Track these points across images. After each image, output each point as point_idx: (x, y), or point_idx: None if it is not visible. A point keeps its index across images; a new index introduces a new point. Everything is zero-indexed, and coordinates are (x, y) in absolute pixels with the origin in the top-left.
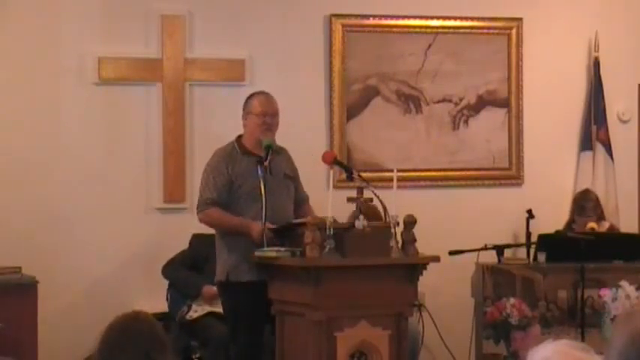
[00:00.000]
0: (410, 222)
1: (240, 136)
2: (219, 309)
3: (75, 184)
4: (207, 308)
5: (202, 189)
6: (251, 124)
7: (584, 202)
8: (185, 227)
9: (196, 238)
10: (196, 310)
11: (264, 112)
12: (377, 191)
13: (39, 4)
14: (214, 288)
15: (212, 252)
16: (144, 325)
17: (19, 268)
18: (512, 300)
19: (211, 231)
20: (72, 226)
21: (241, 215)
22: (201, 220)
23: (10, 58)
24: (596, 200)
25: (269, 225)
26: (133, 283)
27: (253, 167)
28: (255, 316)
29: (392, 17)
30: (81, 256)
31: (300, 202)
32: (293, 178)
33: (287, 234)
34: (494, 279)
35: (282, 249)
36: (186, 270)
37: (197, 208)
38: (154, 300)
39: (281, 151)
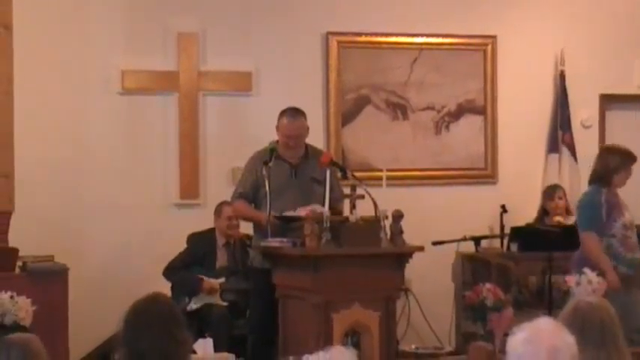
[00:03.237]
0: (398, 216)
1: (277, 141)
2: (215, 301)
3: (101, 182)
4: (205, 300)
5: (238, 183)
6: (280, 137)
7: (554, 188)
8: (199, 220)
9: (193, 237)
10: (196, 303)
11: (287, 134)
12: (368, 189)
13: (69, 24)
14: (211, 281)
15: (209, 247)
16: (164, 305)
17: (52, 256)
18: (487, 285)
19: (204, 228)
20: (98, 219)
21: (262, 210)
22: (232, 209)
23: (44, 71)
24: (563, 190)
25: (274, 214)
26: (152, 269)
27: (279, 170)
28: (269, 295)
29: (382, 35)
30: (107, 246)
31: (333, 202)
32: (322, 182)
33: (292, 226)
34: (472, 266)
35: (285, 240)
36: (185, 270)
37: (230, 198)
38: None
39: (318, 157)
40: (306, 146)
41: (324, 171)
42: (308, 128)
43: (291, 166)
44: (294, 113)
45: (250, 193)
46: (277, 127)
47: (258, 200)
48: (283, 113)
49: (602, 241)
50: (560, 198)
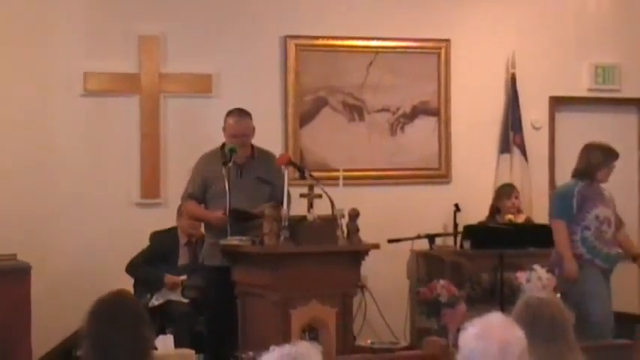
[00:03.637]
0: (354, 215)
1: (224, 143)
2: (177, 297)
3: (64, 182)
4: (167, 296)
5: (187, 184)
6: (226, 138)
7: (511, 188)
8: (160, 219)
9: (155, 235)
10: (158, 299)
11: (234, 134)
12: (325, 188)
13: (33, 27)
14: (174, 277)
15: (172, 245)
16: (131, 302)
17: (15, 254)
18: (441, 281)
19: (167, 226)
20: (61, 218)
21: (211, 209)
22: (183, 209)
23: (8, 73)
24: (517, 190)
25: (223, 212)
26: (114, 267)
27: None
28: (223, 294)
29: (339, 38)
30: (70, 245)
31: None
32: (268, 182)
33: (251, 224)
34: (427, 263)
35: (244, 238)
36: (148, 266)
37: (180, 199)
38: (132, 282)
39: (265, 157)
40: (252, 147)
41: (270, 171)
42: (254, 128)
43: (237, 166)
44: (240, 113)
45: (200, 193)
46: (224, 128)
47: (206, 200)
48: (230, 114)
49: (577, 233)
50: (517, 197)
